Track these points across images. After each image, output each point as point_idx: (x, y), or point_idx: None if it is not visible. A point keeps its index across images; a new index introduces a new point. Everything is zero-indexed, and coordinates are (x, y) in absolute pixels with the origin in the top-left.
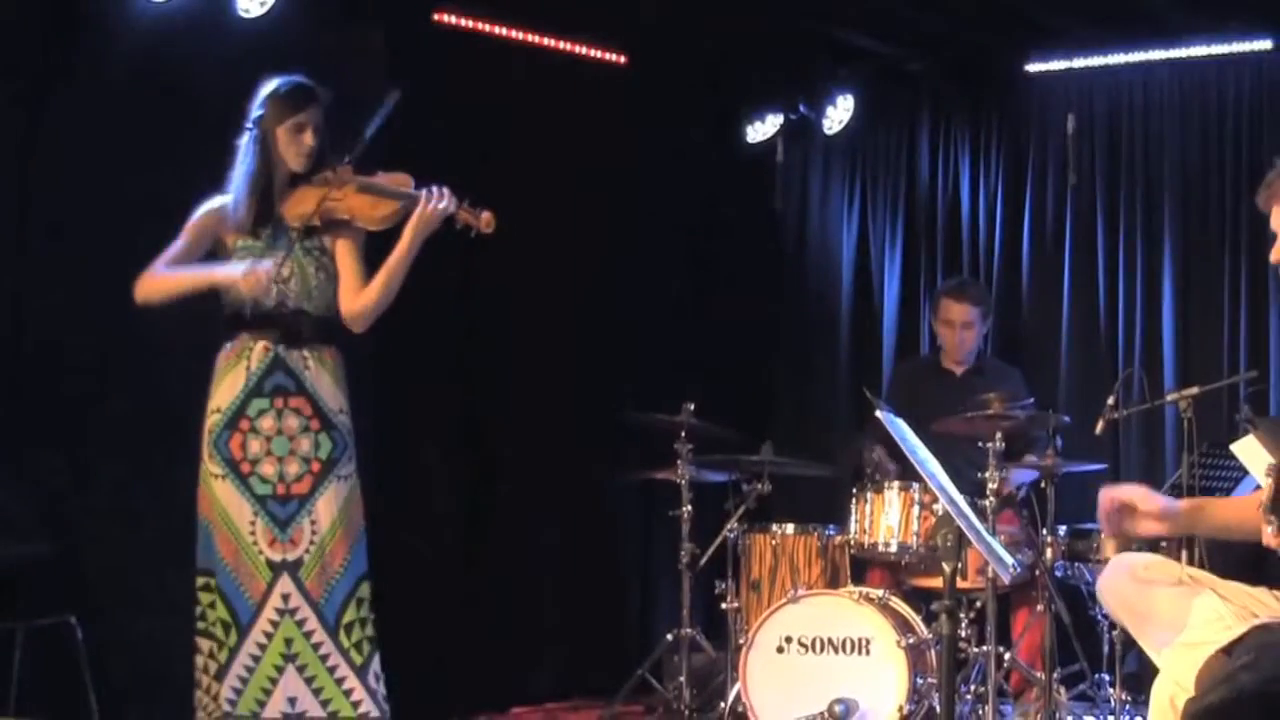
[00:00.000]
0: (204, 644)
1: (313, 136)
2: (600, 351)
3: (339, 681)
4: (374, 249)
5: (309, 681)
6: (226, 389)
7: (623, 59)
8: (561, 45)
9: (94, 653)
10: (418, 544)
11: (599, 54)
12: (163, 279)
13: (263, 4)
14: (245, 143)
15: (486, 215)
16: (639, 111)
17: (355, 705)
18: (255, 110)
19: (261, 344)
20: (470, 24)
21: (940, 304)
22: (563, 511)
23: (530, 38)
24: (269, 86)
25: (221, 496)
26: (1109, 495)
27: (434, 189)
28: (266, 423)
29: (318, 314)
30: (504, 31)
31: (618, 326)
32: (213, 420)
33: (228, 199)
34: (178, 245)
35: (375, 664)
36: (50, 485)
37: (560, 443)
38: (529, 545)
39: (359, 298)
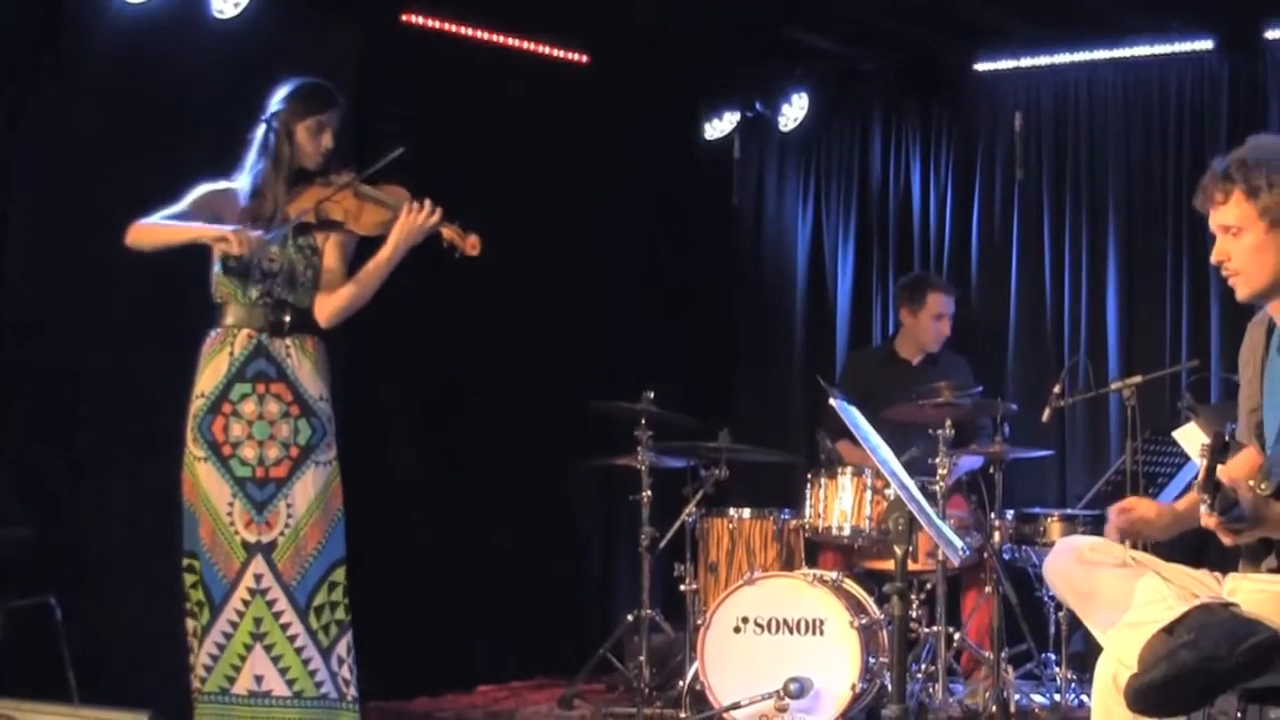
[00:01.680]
0: (190, 623)
1: (331, 139)
2: (564, 342)
3: (305, 662)
4: (363, 256)
5: (275, 661)
6: (211, 374)
7: (585, 59)
8: (525, 45)
9: (72, 632)
10: (387, 529)
11: (562, 54)
12: (156, 227)
13: (236, 5)
14: (263, 134)
15: (473, 239)
16: (601, 109)
17: (319, 685)
18: (275, 105)
19: (245, 331)
20: (437, 25)
21: (929, 299)
22: (527, 496)
23: (495, 38)
24: (292, 84)
25: (203, 478)
26: (1124, 517)
27: (422, 203)
28: (248, 407)
29: (301, 306)
30: (470, 32)
31: (581, 318)
32: (197, 404)
33: (234, 184)
34: (175, 208)
35: (341, 647)
36: (30, 470)
37: (525, 430)
38: (495, 529)
39: (332, 297)
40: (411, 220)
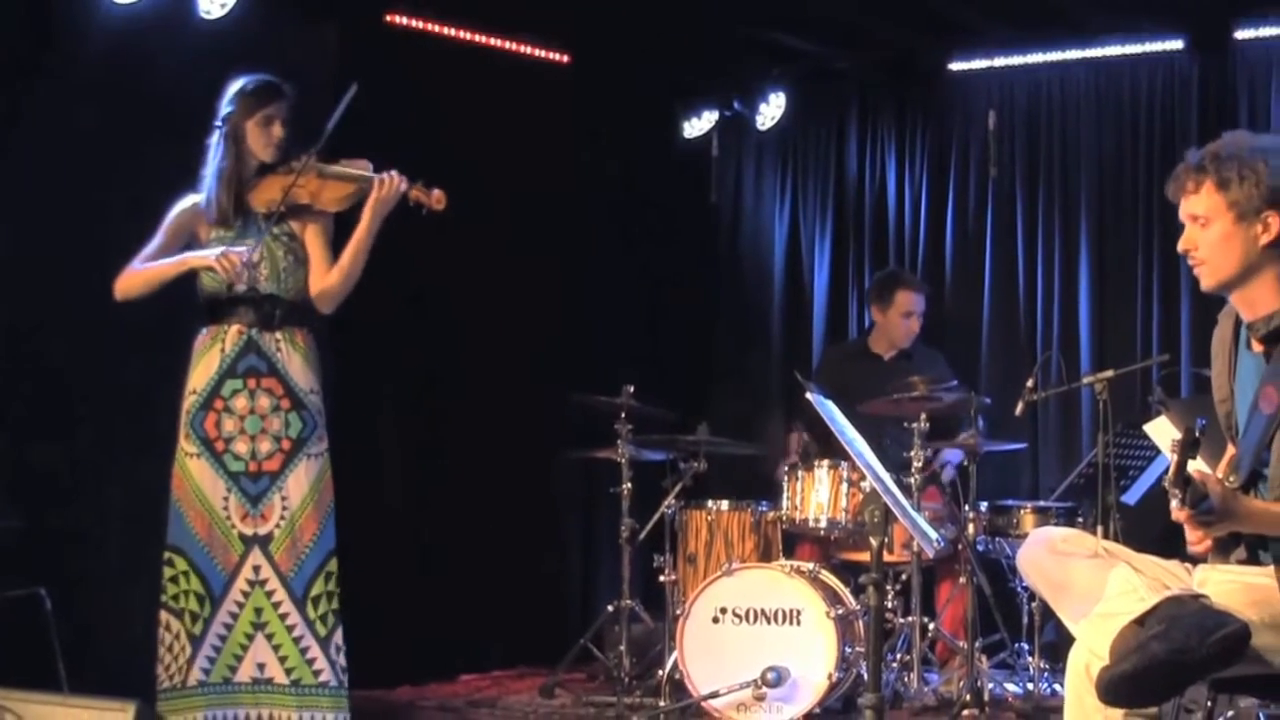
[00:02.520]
0: (166, 617)
1: (281, 128)
2: (545, 337)
3: (303, 651)
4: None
5: (275, 650)
6: (202, 371)
7: (566, 58)
8: (507, 45)
9: (62, 623)
10: (371, 521)
11: (543, 53)
12: (141, 273)
13: (223, 6)
14: (215, 140)
15: (438, 193)
16: (581, 108)
17: (317, 674)
18: (225, 108)
19: (235, 328)
20: (420, 25)
21: (897, 296)
22: (509, 489)
23: (477, 38)
24: (237, 84)
25: (196, 474)
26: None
27: (388, 173)
28: (240, 402)
29: (289, 298)
30: (452, 32)
31: (562, 313)
32: (189, 401)
33: (199, 196)
34: (154, 243)
35: (338, 636)
36: (22, 463)
37: (507, 424)
38: (477, 522)
39: (325, 279)
40: (382, 193)
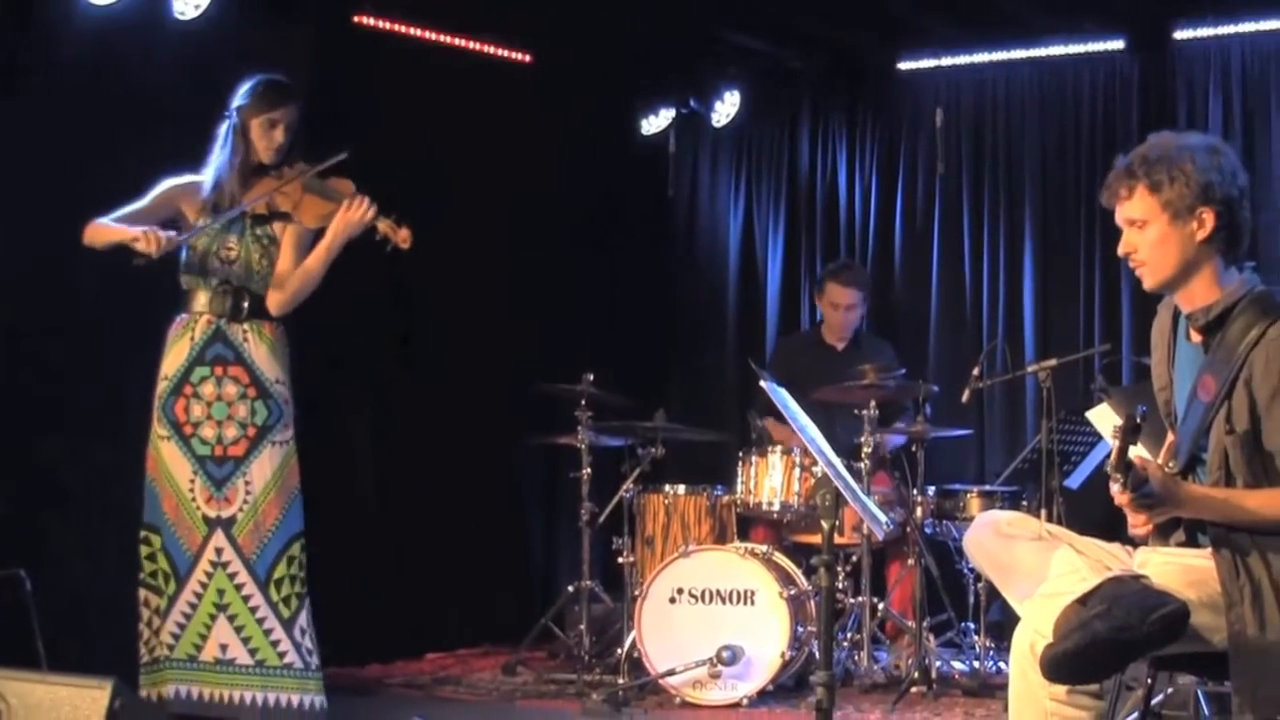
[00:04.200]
0: (144, 594)
1: (284, 134)
2: (508, 326)
3: (267, 633)
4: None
5: (238, 631)
6: (173, 358)
7: (528, 58)
8: (471, 45)
9: (42, 603)
10: (341, 506)
11: (506, 53)
12: (103, 229)
13: (197, 7)
14: (225, 129)
15: (405, 232)
16: (543, 106)
17: (281, 655)
18: (237, 100)
19: (205, 317)
20: (387, 25)
21: (827, 288)
22: (474, 474)
23: (442, 38)
24: (252, 81)
25: (166, 456)
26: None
27: (360, 198)
28: (208, 389)
29: (259, 292)
30: (418, 33)
31: (524, 304)
32: (161, 386)
33: (199, 177)
34: (136, 205)
35: (302, 618)
36: (1, 448)
37: (471, 411)
38: (443, 506)
39: (280, 287)
40: (349, 215)
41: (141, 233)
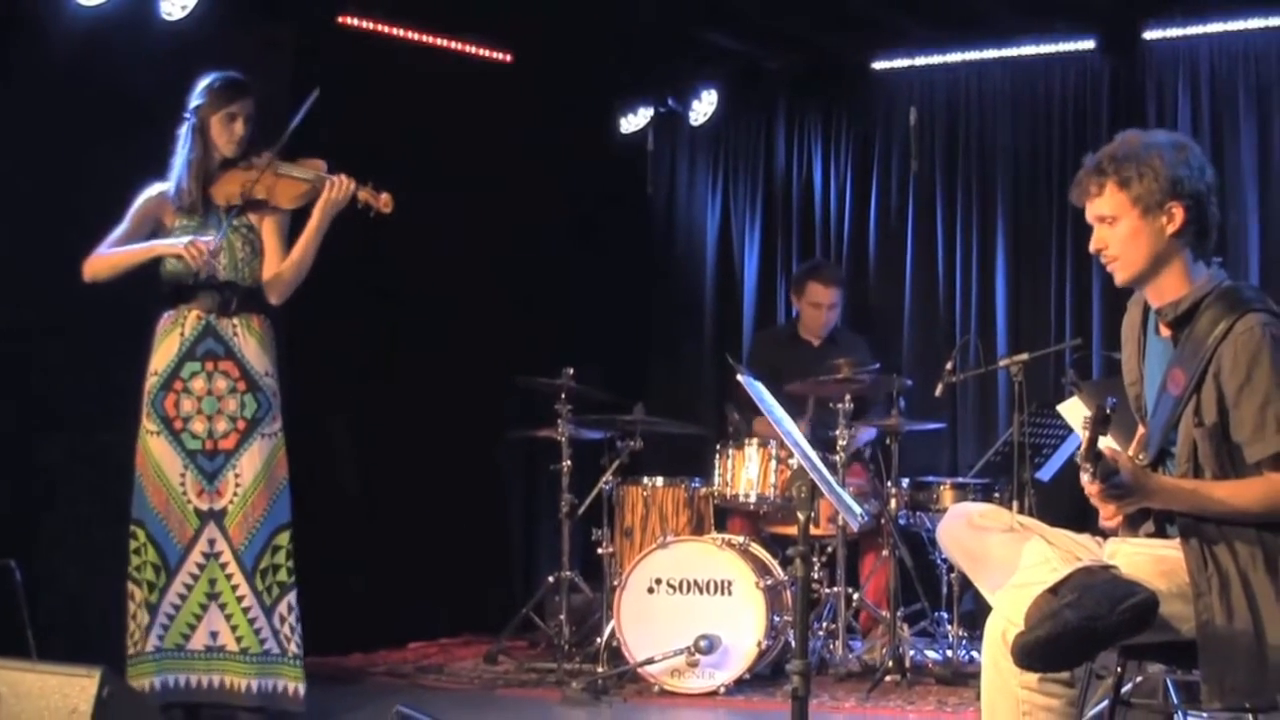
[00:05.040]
0: (132, 588)
1: (244, 125)
2: (489, 322)
3: (251, 620)
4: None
5: (228, 619)
6: (163, 353)
7: (509, 58)
8: (453, 45)
9: (31, 593)
10: (327, 497)
11: (487, 53)
12: (109, 257)
13: (184, 8)
14: (184, 131)
15: (385, 196)
16: (524, 104)
17: (262, 643)
18: (194, 101)
19: (195, 313)
20: (370, 25)
21: (808, 287)
22: (456, 466)
23: (425, 38)
24: (206, 80)
25: (155, 451)
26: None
27: (339, 175)
28: (198, 384)
29: (246, 286)
30: (401, 33)
31: (505, 299)
32: (151, 382)
33: (166, 185)
34: (121, 229)
35: (282, 606)
36: None
37: (454, 404)
38: (426, 498)
39: (276, 270)
40: (331, 195)
41: (184, 247)
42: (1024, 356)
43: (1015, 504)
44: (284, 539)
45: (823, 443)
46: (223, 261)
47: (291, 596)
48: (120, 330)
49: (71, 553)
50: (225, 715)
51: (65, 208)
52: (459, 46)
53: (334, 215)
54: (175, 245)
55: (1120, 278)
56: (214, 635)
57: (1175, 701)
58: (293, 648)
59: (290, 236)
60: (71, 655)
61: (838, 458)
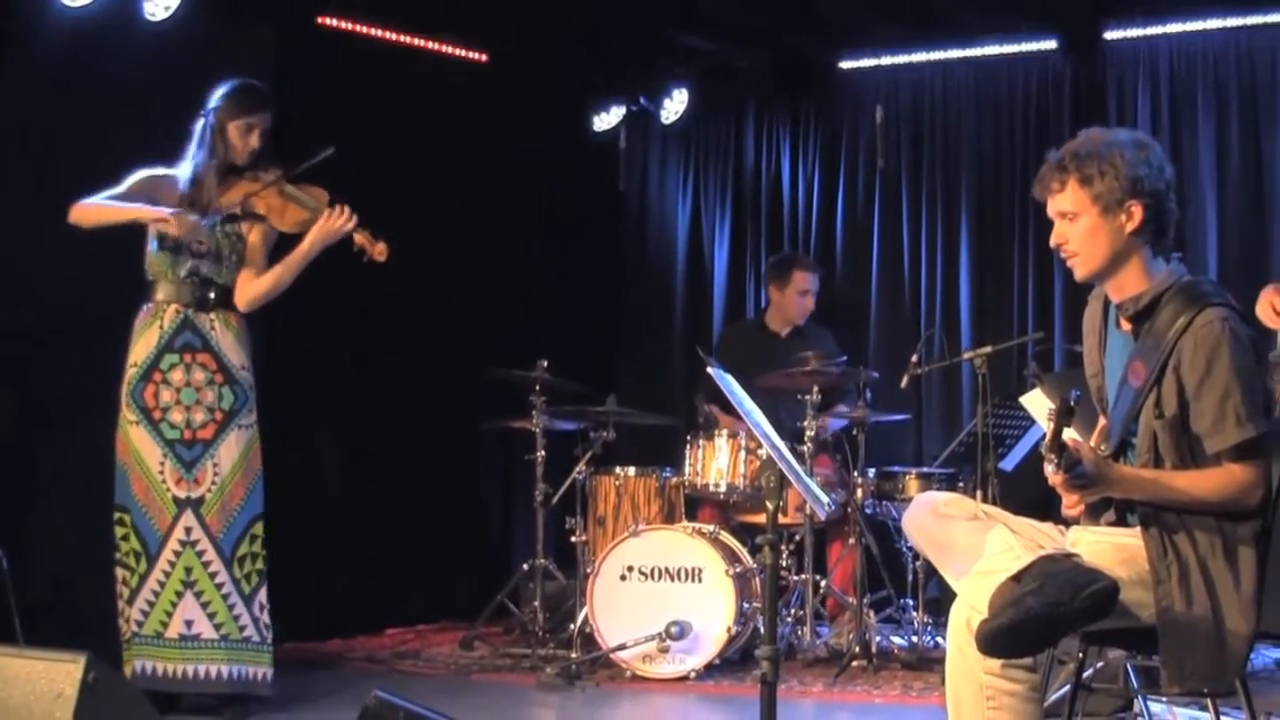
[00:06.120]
0: (120, 573)
1: (259, 138)
2: (466, 315)
3: (230, 608)
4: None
5: (204, 606)
6: (143, 345)
7: (484, 57)
8: (430, 45)
9: (18, 582)
10: (305, 487)
11: (464, 53)
12: (98, 207)
13: (167, 9)
14: (202, 127)
15: (381, 246)
16: (500, 103)
17: (242, 629)
18: (214, 101)
19: (174, 307)
20: (350, 26)
21: (794, 276)
22: (432, 456)
23: (403, 38)
24: (229, 85)
25: (135, 440)
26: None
27: (341, 208)
28: (176, 375)
29: (224, 284)
30: (379, 33)
31: (481, 293)
32: (130, 373)
33: (174, 170)
34: (118, 189)
35: (261, 594)
36: None
37: (430, 395)
38: (403, 487)
39: (251, 285)
40: (329, 224)
41: (172, 214)
42: (987, 349)
43: (979, 493)
44: (259, 528)
45: (791, 433)
46: (207, 261)
47: (266, 584)
48: (100, 323)
49: (58, 542)
50: (205, 704)
51: (48, 205)
52: (436, 46)
53: (326, 246)
54: (162, 212)
55: (1080, 273)
56: (189, 624)
57: (1135, 686)
58: (269, 635)
59: (273, 258)
60: (58, 641)
61: (805, 448)
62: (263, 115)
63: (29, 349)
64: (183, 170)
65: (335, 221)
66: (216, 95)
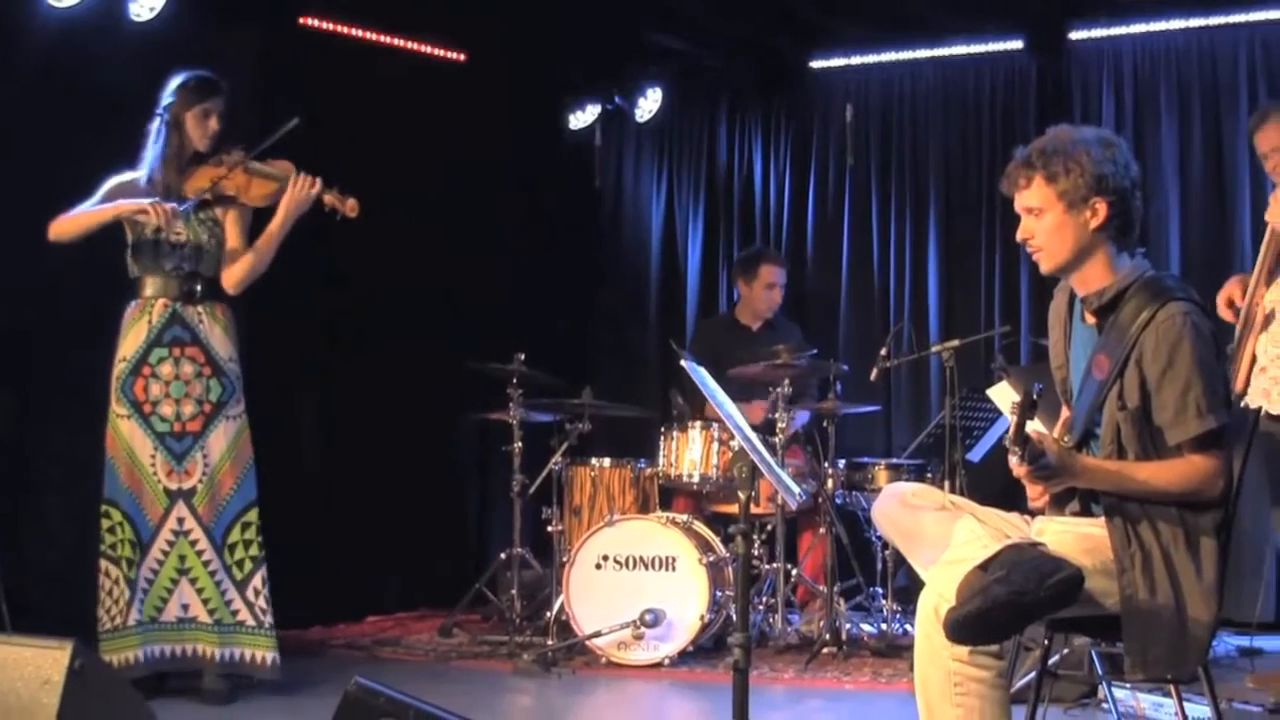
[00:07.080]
0: (105, 565)
1: (217, 121)
2: (445, 309)
3: (222, 593)
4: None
5: (199, 592)
6: (131, 340)
7: (463, 57)
8: (410, 45)
9: (7, 570)
10: (287, 476)
11: (443, 53)
12: (75, 217)
13: (152, 9)
14: (157, 125)
15: (351, 201)
16: (478, 102)
17: (234, 614)
18: (166, 98)
19: (161, 301)
20: (331, 27)
21: (761, 270)
22: (412, 447)
23: (383, 38)
24: (179, 78)
25: (126, 434)
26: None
27: (303, 176)
28: (165, 369)
29: (208, 275)
30: (361, 33)
31: (459, 287)
32: (120, 368)
33: (138, 173)
34: (91, 201)
35: (256, 580)
36: None
37: (410, 388)
38: (383, 477)
39: (234, 267)
40: (296, 192)
41: (150, 204)
42: (955, 343)
43: (947, 483)
44: (253, 515)
45: (762, 425)
46: (188, 253)
47: (263, 570)
48: (88, 319)
49: (46, 534)
50: (192, 683)
51: (35, 205)
52: (416, 46)
53: (299, 215)
54: (140, 203)
55: (1045, 267)
56: (185, 608)
57: (1100, 673)
58: (267, 620)
59: (252, 236)
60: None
61: (777, 439)
62: (216, 100)
63: (21, 344)
64: (141, 170)
65: (301, 190)
66: (168, 91)
